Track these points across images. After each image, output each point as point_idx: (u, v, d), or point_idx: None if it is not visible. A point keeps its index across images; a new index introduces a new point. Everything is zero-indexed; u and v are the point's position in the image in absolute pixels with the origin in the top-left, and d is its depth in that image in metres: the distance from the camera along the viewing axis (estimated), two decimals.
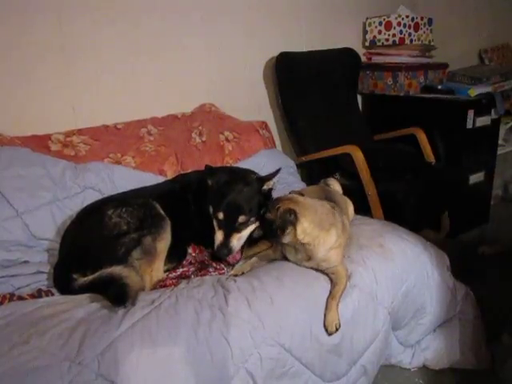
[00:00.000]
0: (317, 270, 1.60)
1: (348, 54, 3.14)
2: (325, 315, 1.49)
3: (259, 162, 2.42)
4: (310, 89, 2.91)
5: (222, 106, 2.70)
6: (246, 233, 1.72)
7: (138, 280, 1.50)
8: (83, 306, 1.39)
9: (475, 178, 3.09)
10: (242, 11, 2.76)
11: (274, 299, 1.44)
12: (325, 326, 1.48)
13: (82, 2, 2.21)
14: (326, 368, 1.49)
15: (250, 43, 2.84)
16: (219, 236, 1.69)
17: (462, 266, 2.08)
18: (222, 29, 2.70)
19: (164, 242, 1.69)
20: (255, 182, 1.78)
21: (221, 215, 1.68)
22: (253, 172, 1.90)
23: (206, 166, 1.83)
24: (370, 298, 1.61)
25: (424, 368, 1.90)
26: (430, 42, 3.31)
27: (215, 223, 1.72)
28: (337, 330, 1.47)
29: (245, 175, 1.83)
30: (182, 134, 2.42)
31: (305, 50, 2.97)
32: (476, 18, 4.03)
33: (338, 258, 1.59)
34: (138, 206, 1.74)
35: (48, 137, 2.09)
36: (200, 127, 2.48)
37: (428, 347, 1.89)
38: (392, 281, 1.69)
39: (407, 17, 3.15)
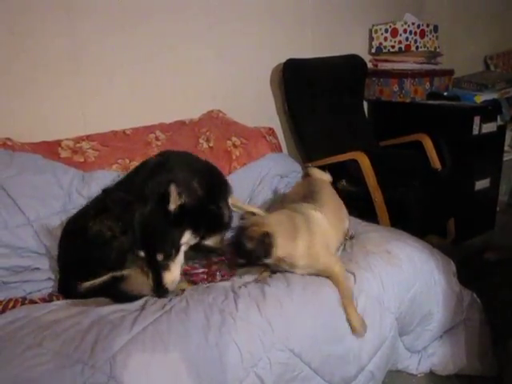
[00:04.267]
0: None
1: (354, 60, 3.15)
2: (349, 321, 1.50)
3: (266, 165, 2.44)
4: (317, 95, 2.92)
5: (229, 112, 2.72)
6: (175, 267, 1.50)
7: (141, 278, 1.50)
8: (95, 310, 1.40)
9: (481, 184, 3.09)
10: (249, 18, 2.78)
11: (284, 305, 1.45)
12: (354, 331, 1.50)
13: (92, 8, 2.23)
14: (335, 373, 1.50)
15: (258, 50, 2.86)
16: (151, 277, 1.48)
17: (468, 272, 2.08)
18: (230, 35, 2.72)
19: None
20: (160, 203, 1.50)
21: (141, 253, 1.48)
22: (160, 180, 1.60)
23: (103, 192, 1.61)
24: (377, 303, 1.62)
25: (430, 374, 1.90)
26: (435, 48, 3.33)
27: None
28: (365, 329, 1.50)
29: (144, 196, 1.54)
30: (189, 139, 2.44)
31: (311, 56, 2.98)
32: (481, 24, 4.04)
33: (323, 259, 1.58)
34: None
35: (58, 143, 2.10)
36: (207, 133, 2.50)
37: (434, 353, 1.89)
38: (399, 287, 1.70)
39: (413, 24, 3.17)
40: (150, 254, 1.46)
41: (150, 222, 1.47)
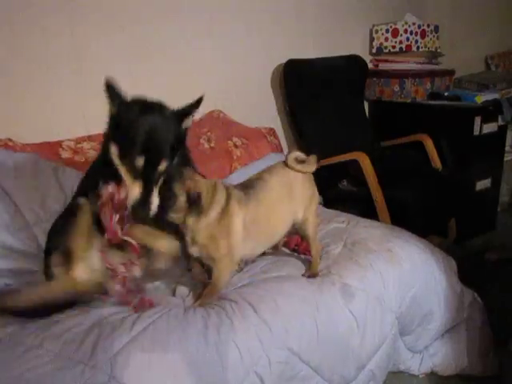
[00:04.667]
0: None
1: (355, 60, 3.16)
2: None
3: (267, 165, 2.42)
4: (318, 95, 2.92)
5: (230, 112, 2.72)
6: (156, 188, 1.37)
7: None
8: (95, 311, 1.40)
9: (482, 184, 3.10)
10: (250, 18, 2.79)
11: (279, 304, 1.45)
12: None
13: (93, 8, 2.23)
14: (335, 372, 1.50)
15: (258, 50, 2.86)
16: (134, 188, 1.32)
17: (469, 272, 2.08)
18: (231, 36, 2.73)
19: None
20: (174, 117, 1.40)
21: (140, 161, 1.31)
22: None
23: (106, 82, 1.41)
24: (377, 302, 1.62)
25: (432, 374, 1.90)
26: (436, 48, 3.33)
27: (125, 170, 1.34)
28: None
29: (160, 106, 1.43)
30: (190, 139, 2.37)
31: (312, 57, 2.99)
32: (482, 24, 4.04)
33: (222, 246, 1.49)
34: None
35: (59, 144, 2.10)
36: (208, 133, 2.51)
37: (436, 353, 1.89)
38: (400, 285, 1.70)
39: (414, 24, 3.17)
40: (151, 162, 1.32)
41: (162, 127, 1.35)
